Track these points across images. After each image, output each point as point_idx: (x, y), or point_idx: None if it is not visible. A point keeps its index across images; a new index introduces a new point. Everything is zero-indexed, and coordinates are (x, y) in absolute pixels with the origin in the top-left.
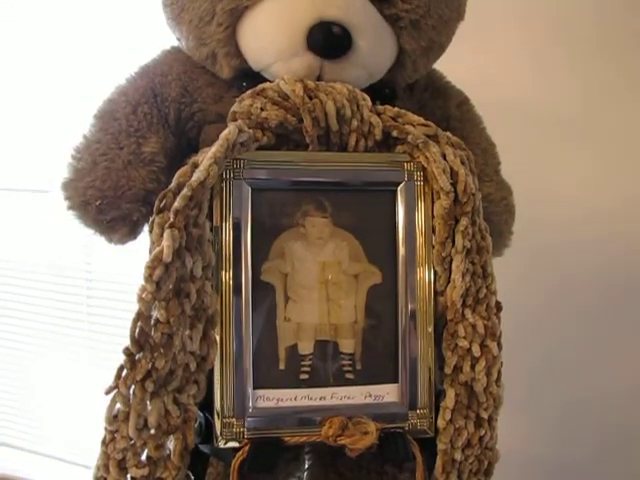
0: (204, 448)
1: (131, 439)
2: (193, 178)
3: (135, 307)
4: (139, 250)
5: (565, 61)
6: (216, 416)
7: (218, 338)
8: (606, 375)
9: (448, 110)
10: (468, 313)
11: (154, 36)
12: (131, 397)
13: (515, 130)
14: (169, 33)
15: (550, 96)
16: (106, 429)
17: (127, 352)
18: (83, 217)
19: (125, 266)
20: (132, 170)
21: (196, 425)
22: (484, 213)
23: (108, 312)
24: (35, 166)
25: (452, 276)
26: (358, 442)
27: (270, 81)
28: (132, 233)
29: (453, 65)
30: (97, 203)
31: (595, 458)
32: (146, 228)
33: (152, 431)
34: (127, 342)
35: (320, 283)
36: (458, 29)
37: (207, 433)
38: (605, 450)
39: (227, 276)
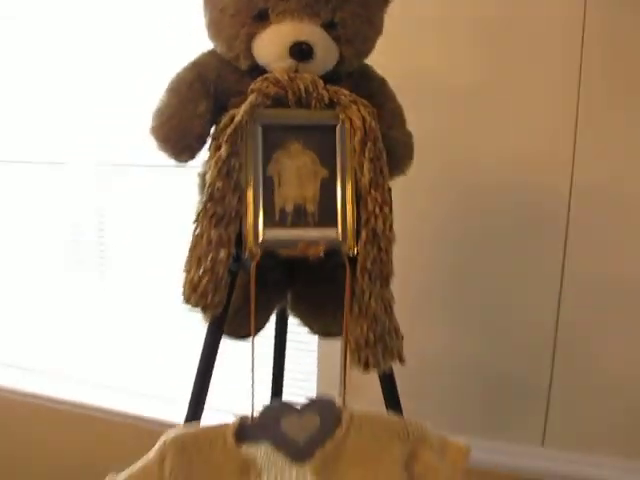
0: (234, 267)
1: (203, 247)
2: (236, 118)
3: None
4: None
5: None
6: (244, 243)
7: (248, 200)
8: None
9: (372, 88)
10: (373, 191)
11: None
12: (204, 224)
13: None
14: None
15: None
16: (192, 233)
17: (201, 201)
18: (163, 147)
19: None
20: (192, 120)
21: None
22: (393, 146)
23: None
24: (52, 140)
25: (364, 171)
26: (315, 250)
27: (270, 72)
28: (191, 157)
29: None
30: (174, 138)
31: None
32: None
33: (211, 242)
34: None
35: (296, 176)
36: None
37: (236, 259)
38: None
39: (250, 172)
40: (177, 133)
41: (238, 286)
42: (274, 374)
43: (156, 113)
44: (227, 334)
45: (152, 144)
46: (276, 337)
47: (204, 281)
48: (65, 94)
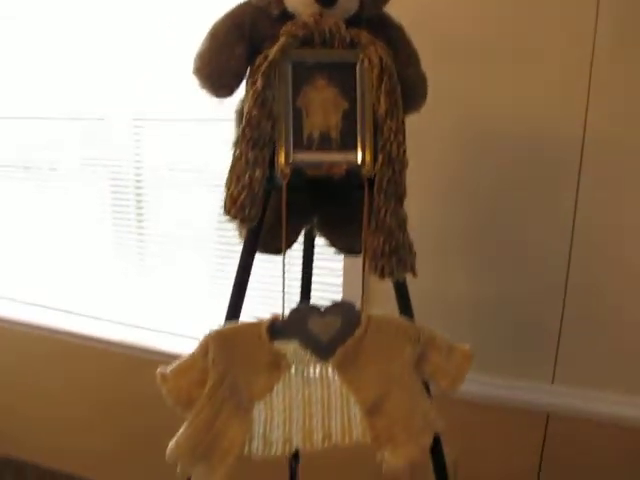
0: (268, 187)
1: (242, 166)
2: (270, 57)
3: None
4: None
5: None
6: (276, 165)
7: (280, 127)
8: None
9: (390, 34)
10: (388, 120)
11: None
12: (242, 147)
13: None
14: None
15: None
16: (232, 155)
17: (240, 127)
18: (205, 84)
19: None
20: (230, 61)
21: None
22: (408, 84)
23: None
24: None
25: (380, 103)
26: (338, 170)
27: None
28: (229, 94)
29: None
30: (213, 77)
31: None
32: None
33: (248, 162)
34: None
35: (322, 108)
36: None
37: (270, 178)
38: None
39: (281, 103)
40: (217, 73)
41: (270, 208)
42: (302, 288)
43: (198, 56)
44: (260, 249)
45: (195, 83)
46: (304, 253)
47: (242, 196)
48: (101, 56)
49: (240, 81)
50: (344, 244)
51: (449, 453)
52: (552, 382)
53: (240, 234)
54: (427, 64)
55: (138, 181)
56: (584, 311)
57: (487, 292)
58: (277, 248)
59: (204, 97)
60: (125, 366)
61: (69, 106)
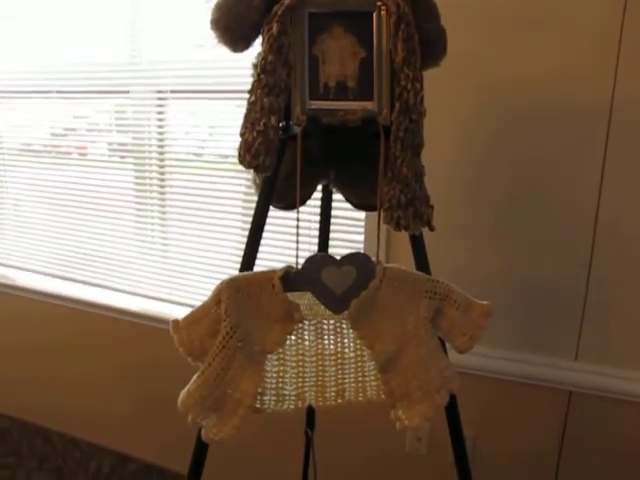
0: (283, 136)
1: (257, 113)
2: (286, 1)
3: None
4: None
5: None
6: (292, 112)
7: (296, 74)
8: None
9: None
10: (405, 68)
11: None
12: (258, 93)
13: None
14: None
15: None
16: (247, 102)
17: (255, 73)
18: (223, 36)
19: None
20: (248, 12)
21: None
22: (427, 37)
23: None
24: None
25: (397, 51)
26: (354, 116)
27: None
28: (247, 46)
29: None
30: (231, 28)
31: None
32: None
33: (264, 108)
34: None
35: (338, 56)
36: None
37: (285, 127)
38: None
39: (297, 50)
40: (235, 23)
41: (285, 160)
42: (320, 244)
43: (216, 7)
44: (275, 203)
45: (212, 36)
46: (322, 208)
47: (257, 142)
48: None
49: (258, 33)
50: (360, 199)
51: (468, 429)
52: (575, 359)
53: (255, 186)
54: (453, 32)
55: (161, 160)
56: (609, 285)
57: (510, 267)
58: (292, 202)
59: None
60: (141, 334)
61: (97, 80)
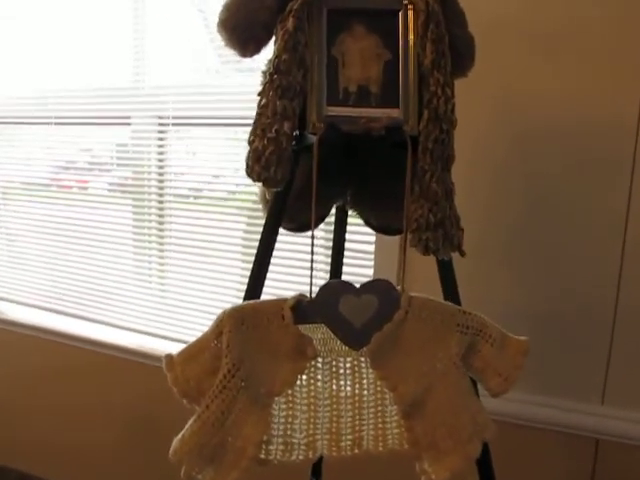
0: (297, 147)
1: (268, 118)
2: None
3: None
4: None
5: None
6: (308, 118)
7: (312, 76)
8: None
9: None
10: (435, 72)
11: None
12: (270, 96)
13: None
14: None
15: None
16: (258, 105)
17: (268, 73)
18: (231, 38)
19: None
20: (258, 11)
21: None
22: (455, 44)
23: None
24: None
25: (426, 53)
26: (377, 124)
27: None
28: (257, 50)
29: None
30: (240, 28)
31: None
32: None
33: (276, 112)
34: None
35: (360, 58)
36: None
37: (299, 137)
38: None
39: (315, 50)
40: (244, 22)
41: (298, 175)
42: (332, 272)
43: (224, 7)
44: (285, 224)
45: (221, 38)
46: (335, 231)
47: (268, 151)
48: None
49: (270, 35)
50: (381, 220)
51: None
52: (602, 403)
53: (264, 204)
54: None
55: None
56: (637, 326)
57: (532, 304)
58: (303, 223)
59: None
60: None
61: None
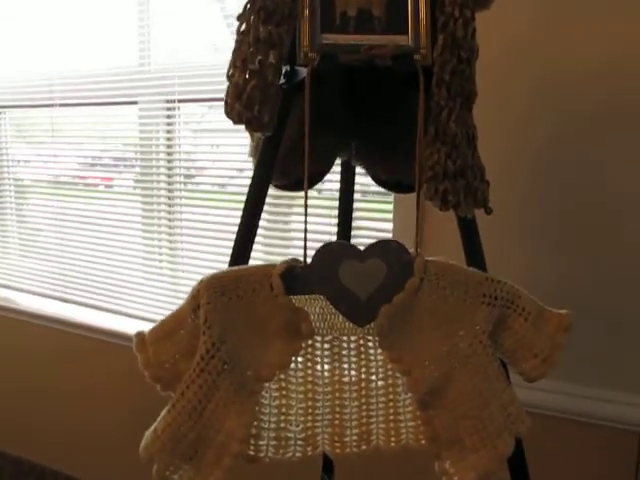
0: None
1: (250, 46)
2: None
3: None
4: None
5: None
6: (298, 47)
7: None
8: None
9: None
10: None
11: None
12: (251, 20)
13: None
14: None
15: None
16: (237, 31)
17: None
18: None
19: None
20: None
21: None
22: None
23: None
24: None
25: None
26: (381, 51)
27: None
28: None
29: None
30: None
31: None
32: None
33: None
34: None
35: None
36: None
37: (291, 73)
38: None
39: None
40: None
41: (291, 122)
42: (339, 234)
43: None
44: (277, 180)
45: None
46: (342, 190)
47: (249, 86)
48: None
49: None
50: (390, 174)
51: None
52: None
53: (254, 155)
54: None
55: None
56: None
57: (581, 290)
58: (299, 179)
59: None
60: None
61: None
